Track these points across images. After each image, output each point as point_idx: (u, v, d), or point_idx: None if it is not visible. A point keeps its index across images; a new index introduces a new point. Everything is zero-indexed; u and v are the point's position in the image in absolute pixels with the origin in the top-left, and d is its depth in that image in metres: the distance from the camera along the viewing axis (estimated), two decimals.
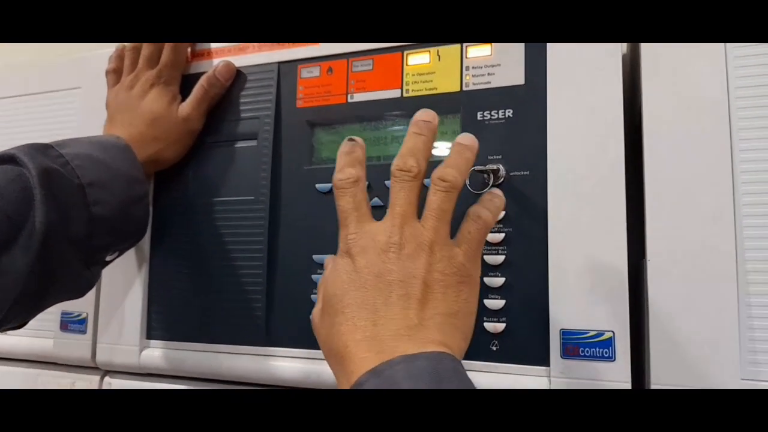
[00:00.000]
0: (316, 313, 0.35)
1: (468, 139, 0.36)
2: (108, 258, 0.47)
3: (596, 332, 0.38)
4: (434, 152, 0.45)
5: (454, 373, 0.29)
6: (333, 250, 0.46)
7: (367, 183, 0.36)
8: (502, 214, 0.41)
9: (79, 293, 0.46)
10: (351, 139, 0.37)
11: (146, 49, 0.53)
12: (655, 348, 0.37)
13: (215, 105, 0.53)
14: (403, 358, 0.29)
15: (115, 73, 0.54)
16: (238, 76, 0.52)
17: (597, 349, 0.38)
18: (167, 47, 0.53)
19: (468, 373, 0.30)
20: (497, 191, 0.37)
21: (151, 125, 0.50)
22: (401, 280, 0.32)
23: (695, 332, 0.37)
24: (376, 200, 0.45)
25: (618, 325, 0.38)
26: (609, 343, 0.38)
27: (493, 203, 0.36)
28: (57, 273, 0.41)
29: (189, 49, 0.55)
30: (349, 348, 0.31)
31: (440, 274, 0.32)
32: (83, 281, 0.45)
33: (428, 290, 0.32)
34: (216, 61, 0.53)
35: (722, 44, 0.38)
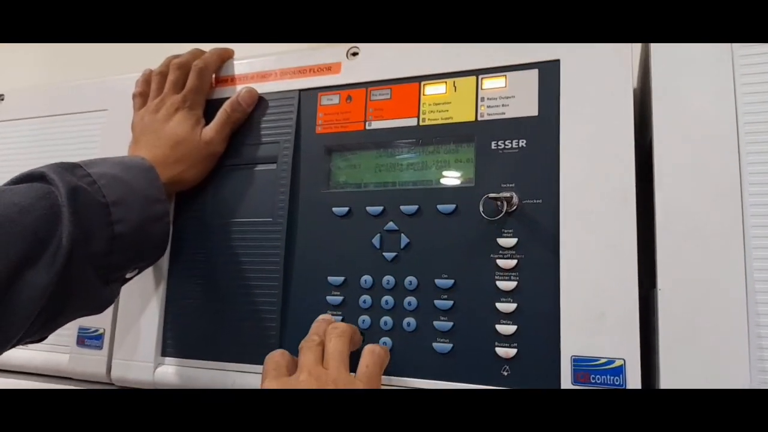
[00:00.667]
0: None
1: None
2: (128, 275, 0.49)
3: (607, 359, 0.39)
4: (444, 180, 0.46)
5: None
6: (348, 272, 0.47)
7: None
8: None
9: (97, 310, 0.47)
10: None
11: (172, 73, 0.55)
12: (666, 377, 0.38)
13: (237, 129, 0.54)
14: None
15: (141, 97, 0.56)
16: (260, 102, 0.54)
17: (608, 377, 0.39)
18: (192, 73, 0.55)
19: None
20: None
21: (175, 147, 0.52)
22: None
23: (705, 362, 0.37)
24: (390, 224, 0.47)
25: (629, 353, 0.39)
26: (620, 370, 0.38)
27: (382, 347, 0.45)
28: (77, 289, 0.42)
29: (213, 75, 0.57)
30: None
31: None
32: (102, 298, 0.46)
33: None
34: (239, 87, 0.55)
35: (731, 77, 0.40)
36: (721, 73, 0.40)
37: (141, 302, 0.55)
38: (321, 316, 0.47)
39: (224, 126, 0.53)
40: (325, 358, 0.42)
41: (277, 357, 0.44)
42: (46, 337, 0.46)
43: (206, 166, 0.54)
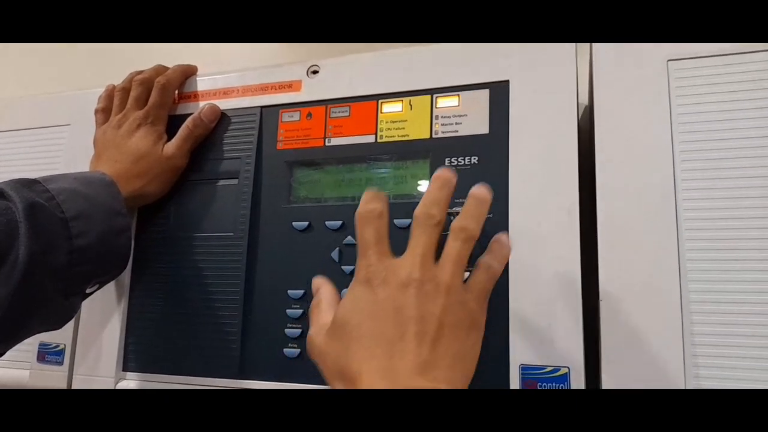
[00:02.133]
0: (318, 336, 0.37)
1: (483, 192, 0.38)
2: (88, 290, 0.49)
3: (553, 368, 0.41)
4: (401, 195, 0.47)
5: None
6: (308, 285, 0.48)
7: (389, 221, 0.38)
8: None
9: (57, 324, 0.47)
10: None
11: (135, 89, 0.56)
12: (607, 383, 0.40)
13: (199, 144, 0.55)
14: None
15: (104, 113, 0.57)
16: (223, 118, 0.55)
17: (554, 384, 0.40)
18: (155, 89, 0.56)
19: None
20: (505, 239, 0.39)
21: (137, 162, 0.53)
22: (419, 317, 0.33)
23: (644, 368, 0.39)
24: (349, 239, 0.48)
25: (573, 362, 0.40)
26: (564, 378, 0.40)
27: (501, 253, 0.39)
28: (36, 304, 0.43)
29: (176, 92, 0.58)
30: (362, 374, 0.33)
31: (454, 317, 0.34)
32: (63, 312, 0.46)
33: (442, 331, 0.34)
34: (202, 103, 0.56)
35: (668, 97, 0.42)
36: (658, 90, 0.42)
37: (102, 317, 0.55)
38: (441, 172, 0.38)
39: (186, 141, 0.54)
40: (442, 256, 0.36)
41: (377, 222, 0.37)
42: (3, 353, 0.46)
43: (168, 180, 0.54)
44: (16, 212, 0.41)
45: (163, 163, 0.53)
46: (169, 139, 0.55)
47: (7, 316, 0.40)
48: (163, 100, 0.56)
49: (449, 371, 0.33)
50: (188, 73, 0.58)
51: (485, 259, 0.38)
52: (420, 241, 0.36)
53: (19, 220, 0.41)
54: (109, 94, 0.58)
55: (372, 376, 0.32)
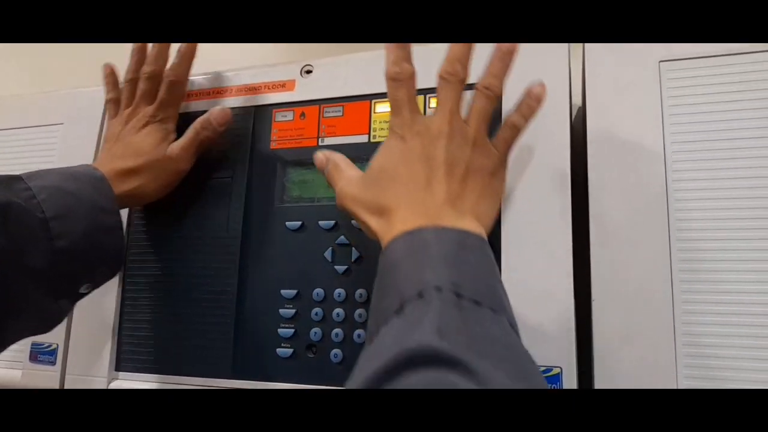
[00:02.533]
0: (349, 186, 0.42)
1: (508, 46, 0.41)
2: (81, 291, 0.47)
3: (545, 368, 0.41)
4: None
5: (474, 248, 0.36)
6: (301, 285, 0.48)
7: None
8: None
9: (46, 328, 0.46)
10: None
11: (144, 83, 0.53)
12: (600, 383, 0.40)
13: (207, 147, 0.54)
14: (436, 228, 0.36)
15: (114, 104, 0.55)
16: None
17: (546, 384, 0.40)
18: (164, 85, 0.53)
19: None
20: (537, 91, 0.41)
21: (136, 159, 0.50)
22: (449, 162, 0.38)
23: (636, 367, 0.39)
24: (342, 238, 0.48)
25: (566, 361, 0.40)
26: (557, 378, 0.40)
27: (530, 109, 0.41)
28: (17, 307, 0.41)
29: (186, 88, 0.55)
30: (400, 205, 0.38)
31: (479, 163, 0.39)
32: (51, 314, 0.45)
33: (469, 174, 0.39)
34: (194, 103, 0.56)
35: (659, 98, 0.42)
36: (650, 91, 0.43)
37: (95, 316, 0.55)
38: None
39: (192, 143, 0.52)
40: (470, 113, 0.40)
41: (409, 83, 0.41)
42: None
43: (169, 181, 0.53)
44: None
45: (165, 164, 0.51)
46: (177, 138, 0.53)
47: None
48: (172, 97, 0.53)
49: (475, 205, 0.39)
50: (192, 57, 0.55)
51: (512, 117, 0.41)
52: (448, 97, 0.39)
53: None
54: (113, 80, 0.56)
55: (407, 208, 0.37)
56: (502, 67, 0.40)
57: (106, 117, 0.56)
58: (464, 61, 0.40)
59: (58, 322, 0.46)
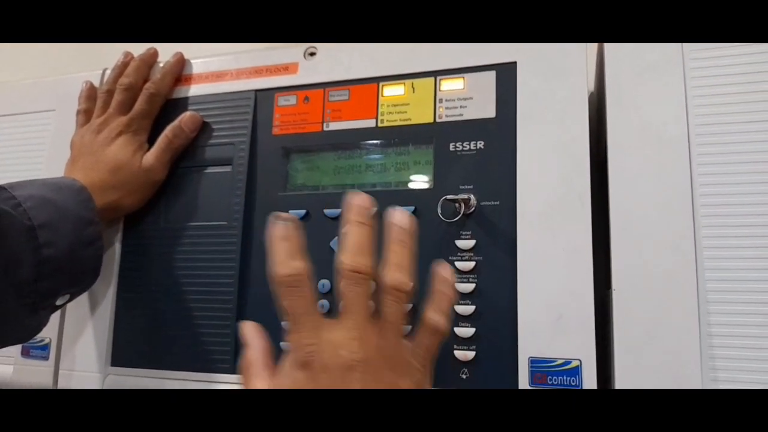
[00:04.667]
0: None
1: (404, 220, 0.34)
2: (58, 302, 0.46)
3: (564, 360, 0.39)
4: (403, 182, 0.46)
5: None
6: None
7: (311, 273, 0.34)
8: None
9: (23, 339, 0.45)
10: (278, 217, 0.34)
11: (120, 94, 0.53)
12: (620, 376, 0.38)
13: (180, 154, 0.53)
14: None
15: (85, 114, 0.54)
16: (215, 103, 0.53)
17: (564, 377, 0.39)
18: (143, 96, 0.53)
19: None
20: (448, 276, 0.35)
21: (113, 173, 0.50)
22: None
23: (659, 359, 0.37)
24: None
25: (585, 354, 0.39)
26: (576, 371, 0.39)
27: (446, 301, 0.35)
28: None
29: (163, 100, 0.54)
30: None
31: (403, 384, 0.32)
32: (28, 328, 0.44)
33: None
34: (194, 87, 0.54)
35: (682, 81, 0.40)
36: (673, 76, 0.41)
37: (89, 310, 0.53)
38: (355, 199, 0.35)
39: (165, 152, 0.51)
40: (381, 318, 0.32)
41: (303, 289, 0.33)
42: None
43: (145, 193, 0.52)
44: None
45: (141, 176, 0.51)
46: (149, 148, 0.52)
47: None
48: (150, 108, 0.53)
49: None
50: (179, 76, 0.55)
51: (429, 315, 0.34)
52: (353, 303, 0.32)
53: None
54: (90, 94, 0.55)
55: None
56: (404, 257, 0.34)
57: (76, 126, 0.54)
58: (366, 251, 0.33)
59: (36, 333, 0.45)
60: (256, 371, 0.34)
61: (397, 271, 0.33)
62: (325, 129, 0.49)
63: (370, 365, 0.31)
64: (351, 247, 0.33)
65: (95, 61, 0.60)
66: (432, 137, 0.45)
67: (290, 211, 0.48)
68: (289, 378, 0.32)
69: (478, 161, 0.44)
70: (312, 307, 0.32)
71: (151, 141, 0.53)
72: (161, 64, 0.55)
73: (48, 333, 0.54)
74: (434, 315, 0.34)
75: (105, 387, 0.50)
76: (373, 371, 0.31)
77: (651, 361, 0.38)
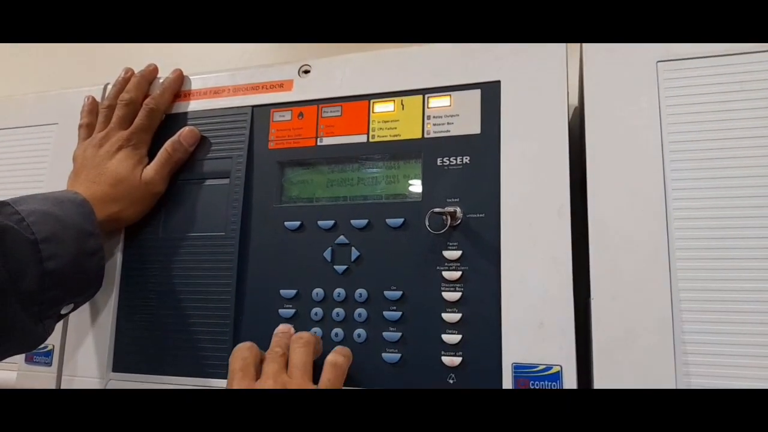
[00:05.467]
0: None
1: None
2: (63, 311, 0.48)
3: (545, 366, 0.41)
4: (392, 195, 0.48)
5: None
6: (300, 285, 0.48)
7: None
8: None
9: (29, 348, 0.46)
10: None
11: (120, 109, 0.55)
12: (600, 381, 0.40)
13: (179, 168, 0.55)
14: None
15: (87, 128, 0.56)
16: (213, 118, 0.55)
17: (546, 383, 0.41)
18: (143, 111, 0.55)
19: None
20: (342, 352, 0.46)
21: (114, 186, 0.52)
22: None
23: (636, 365, 0.39)
24: (341, 238, 0.48)
25: (566, 360, 0.41)
26: (557, 376, 0.40)
27: (345, 350, 0.45)
28: (4, 330, 0.41)
29: (163, 115, 0.56)
30: None
31: None
32: (34, 336, 0.45)
33: None
34: (193, 102, 0.56)
35: (657, 98, 0.42)
36: (647, 92, 0.43)
37: (92, 317, 0.54)
38: (280, 327, 0.47)
39: (165, 166, 0.53)
40: (289, 367, 0.43)
41: (245, 353, 0.44)
42: None
43: (145, 205, 0.54)
44: None
45: (141, 189, 0.53)
46: (149, 162, 0.54)
47: None
48: (150, 123, 0.55)
49: None
50: (177, 92, 0.57)
51: (330, 357, 0.44)
52: (271, 367, 0.43)
53: None
54: (92, 109, 0.57)
55: None
56: (344, 351, 0.46)
57: (78, 140, 0.56)
58: (283, 344, 0.45)
59: (41, 343, 0.46)
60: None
61: (303, 337, 0.45)
62: (318, 144, 0.51)
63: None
64: (273, 344, 0.45)
65: (96, 76, 0.62)
66: (420, 152, 0.47)
67: (285, 223, 0.50)
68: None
69: (464, 175, 0.46)
70: (247, 367, 0.44)
71: (151, 155, 0.55)
72: (161, 80, 0.57)
73: (51, 340, 0.55)
74: (334, 355, 0.45)
75: None
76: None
77: (627, 365, 0.39)
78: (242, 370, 0.43)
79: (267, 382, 0.42)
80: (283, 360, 0.44)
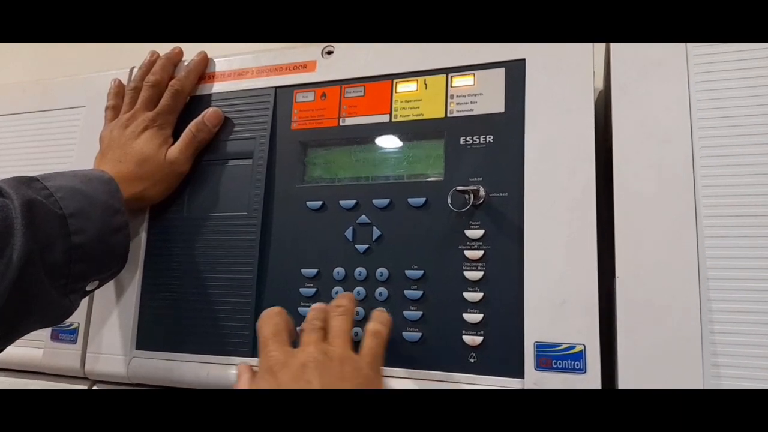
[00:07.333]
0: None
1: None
2: (88, 288, 0.48)
3: (568, 345, 0.40)
4: (415, 175, 0.47)
5: None
6: (321, 264, 0.48)
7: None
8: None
9: (54, 321, 0.47)
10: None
11: (146, 91, 0.56)
12: (623, 361, 0.39)
13: (203, 148, 0.55)
14: None
15: (113, 110, 0.57)
16: (237, 99, 0.55)
17: (569, 362, 0.40)
18: (168, 93, 0.56)
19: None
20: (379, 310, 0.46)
21: (140, 165, 0.53)
22: (321, 387, 0.38)
23: (661, 345, 0.39)
24: (363, 218, 0.48)
25: (589, 339, 0.40)
26: (580, 355, 0.40)
27: (384, 317, 0.44)
28: (33, 301, 0.42)
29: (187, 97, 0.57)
30: None
31: (350, 383, 0.39)
32: (61, 310, 0.46)
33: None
34: (217, 84, 0.56)
35: (686, 77, 0.42)
36: (676, 74, 0.42)
37: (116, 295, 0.55)
38: (316, 305, 0.45)
39: (189, 146, 0.54)
40: (329, 335, 0.42)
41: (275, 318, 0.43)
42: (1, 350, 0.45)
43: (170, 184, 0.55)
44: (13, 209, 0.41)
45: (166, 168, 0.53)
46: (174, 142, 0.55)
47: (3, 313, 0.40)
48: (175, 105, 0.56)
49: None
50: (202, 74, 0.58)
51: (370, 325, 0.43)
52: (310, 337, 0.41)
53: (15, 216, 0.41)
54: (118, 91, 0.58)
55: None
56: (347, 294, 0.45)
57: (105, 121, 0.57)
58: (322, 317, 0.43)
59: (67, 317, 0.47)
60: (241, 377, 0.45)
61: (340, 298, 0.44)
62: (341, 124, 0.51)
63: (321, 361, 0.39)
64: (310, 317, 0.43)
65: (123, 59, 0.63)
66: (443, 131, 0.47)
67: (308, 203, 0.50)
68: (263, 380, 0.40)
69: (488, 154, 0.45)
70: (279, 333, 0.42)
71: (175, 135, 0.55)
72: (186, 63, 0.58)
73: (76, 318, 0.56)
74: (374, 324, 0.43)
75: (130, 369, 0.53)
76: (324, 365, 0.39)
77: (652, 347, 0.39)
78: (275, 335, 0.41)
79: (308, 349, 0.40)
80: (322, 333, 0.42)
